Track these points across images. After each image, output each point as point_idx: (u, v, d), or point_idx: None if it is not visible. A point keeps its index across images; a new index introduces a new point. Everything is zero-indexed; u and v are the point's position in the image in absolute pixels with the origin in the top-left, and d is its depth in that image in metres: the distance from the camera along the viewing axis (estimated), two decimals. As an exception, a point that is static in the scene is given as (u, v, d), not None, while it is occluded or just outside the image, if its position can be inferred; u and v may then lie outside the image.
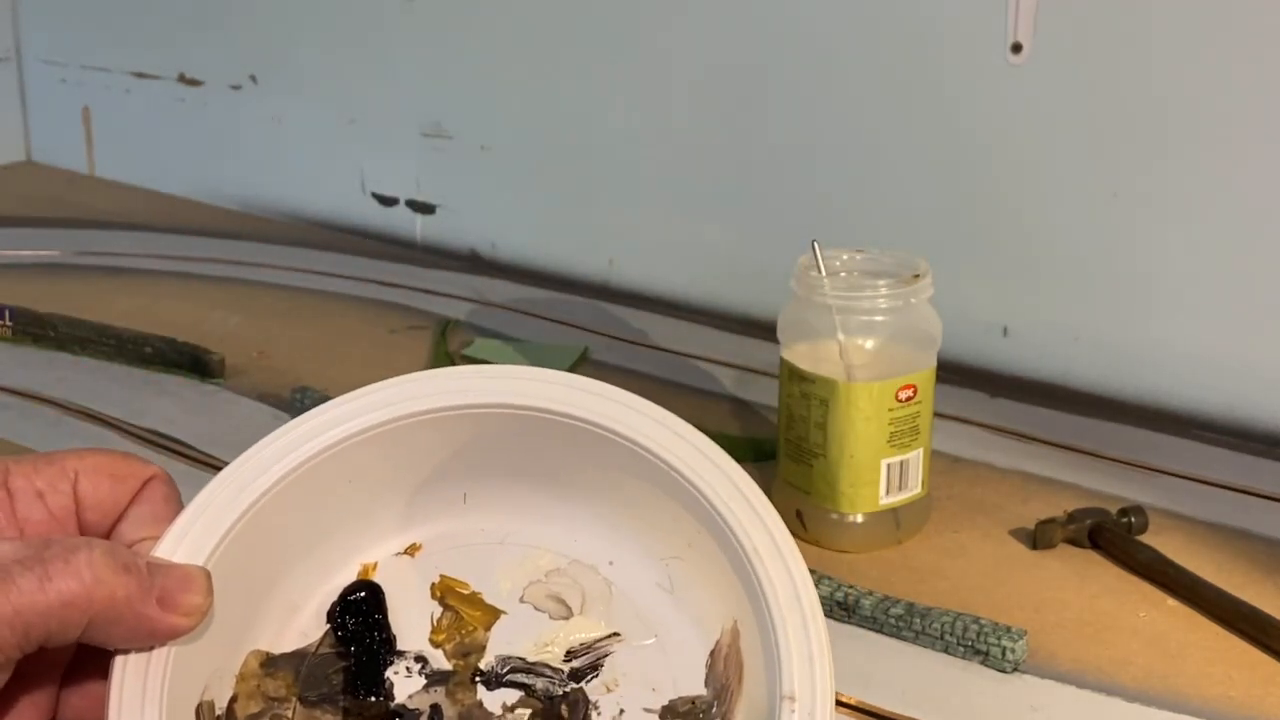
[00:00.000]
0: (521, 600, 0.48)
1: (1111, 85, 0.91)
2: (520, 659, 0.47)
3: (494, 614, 0.48)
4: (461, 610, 0.48)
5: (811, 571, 0.67)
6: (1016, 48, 0.94)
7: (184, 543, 0.42)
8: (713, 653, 0.46)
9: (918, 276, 0.73)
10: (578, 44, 1.18)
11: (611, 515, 0.48)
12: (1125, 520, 0.74)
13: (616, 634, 0.48)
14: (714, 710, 0.46)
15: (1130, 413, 0.94)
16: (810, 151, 1.06)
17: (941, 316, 0.74)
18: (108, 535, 0.43)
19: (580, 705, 0.47)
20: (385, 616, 0.47)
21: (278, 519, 0.44)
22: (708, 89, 1.11)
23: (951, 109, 0.98)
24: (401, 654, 0.47)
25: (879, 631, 0.66)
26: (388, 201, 1.35)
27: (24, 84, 1.64)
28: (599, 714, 0.47)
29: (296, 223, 1.40)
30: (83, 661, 0.43)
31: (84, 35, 1.57)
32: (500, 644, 0.48)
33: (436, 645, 0.48)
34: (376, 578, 0.48)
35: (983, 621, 0.64)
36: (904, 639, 0.65)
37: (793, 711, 0.42)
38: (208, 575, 0.41)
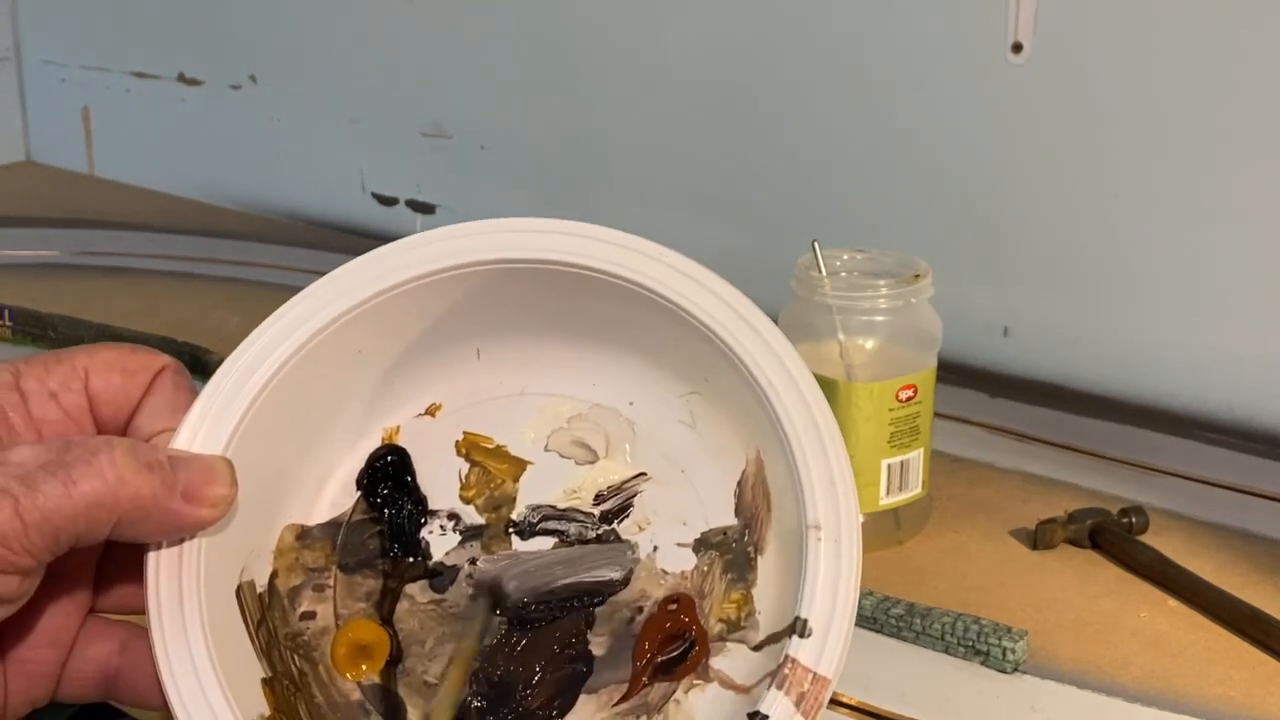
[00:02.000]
0: (546, 449, 0.49)
1: (1112, 85, 0.91)
2: (551, 506, 0.48)
3: (521, 465, 0.48)
4: (488, 465, 0.48)
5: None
6: (1017, 48, 0.94)
7: (201, 432, 0.42)
8: (739, 483, 0.47)
9: (918, 276, 0.73)
10: (578, 44, 1.18)
11: (626, 357, 0.48)
12: (1126, 520, 0.74)
13: (643, 473, 0.48)
14: (745, 538, 0.46)
15: (1130, 413, 0.94)
16: (810, 151, 1.06)
17: (941, 316, 0.74)
18: (124, 430, 0.43)
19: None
20: (414, 478, 0.48)
21: (292, 397, 0.44)
22: (708, 89, 1.11)
23: (952, 109, 0.98)
24: (434, 513, 0.48)
25: (879, 632, 0.66)
26: (388, 201, 1.35)
27: (24, 84, 1.64)
28: (634, 552, 0.47)
29: (296, 223, 1.40)
30: (116, 552, 0.43)
31: (84, 35, 1.57)
32: (530, 494, 0.48)
33: (467, 501, 0.48)
34: (400, 441, 0.48)
35: (983, 622, 0.64)
36: (904, 639, 0.65)
37: (819, 540, 0.43)
38: (229, 465, 0.41)
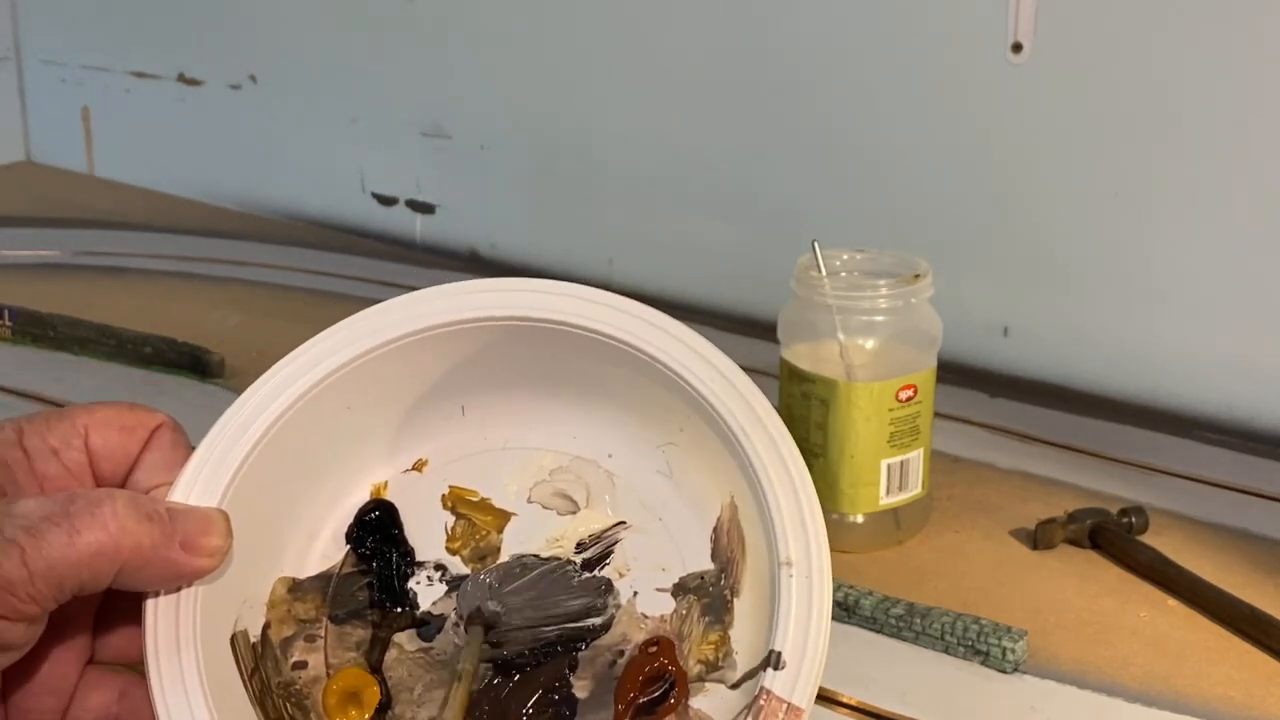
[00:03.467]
0: (529, 500, 0.50)
1: (1112, 85, 0.91)
2: (534, 555, 0.50)
3: (505, 517, 0.50)
4: (473, 516, 0.50)
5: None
6: (1017, 47, 0.94)
7: (197, 486, 0.44)
8: (715, 529, 0.48)
9: (918, 276, 0.73)
10: (577, 43, 1.18)
11: (605, 410, 0.50)
12: (1125, 520, 0.74)
13: (623, 522, 0.50)
14: (722, 581, 0.48)
15: (1130, 413, 0.94)
16: (811, 151, 1.06)
17: (941, 316, 0.74)
18: (123, 484, 0.44)
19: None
20: (401, 531, 0.49)
21: (284, 452, 0.46)
22: (708, 89, 1.11)
23: (952, 109, 0.98)
24: (421, 564, 0.49)
25: (879, 632, 0.66)
26: (387, 201, 1.35)
27: (24, 84, 1.64)
28: (615, 597, 0.49)
29: (296, 223, 1.40)
30: (114, 603, 0.44)
31: (84, 35, 1.57)
32: (514, 544, 0.50)
33: (453, 552, 0.50)
34: (388, 496, 0.50)
35: (983, 622, 0.64)
36: (904, 639, 0.65)
37: (790, 575, 0.44)
38: (225, 516, 0.43)
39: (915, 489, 0.74)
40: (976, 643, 0.63)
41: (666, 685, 0.47)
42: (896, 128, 1.02)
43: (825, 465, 0.72)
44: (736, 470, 0.46)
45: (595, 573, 0.49)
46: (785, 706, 0.42)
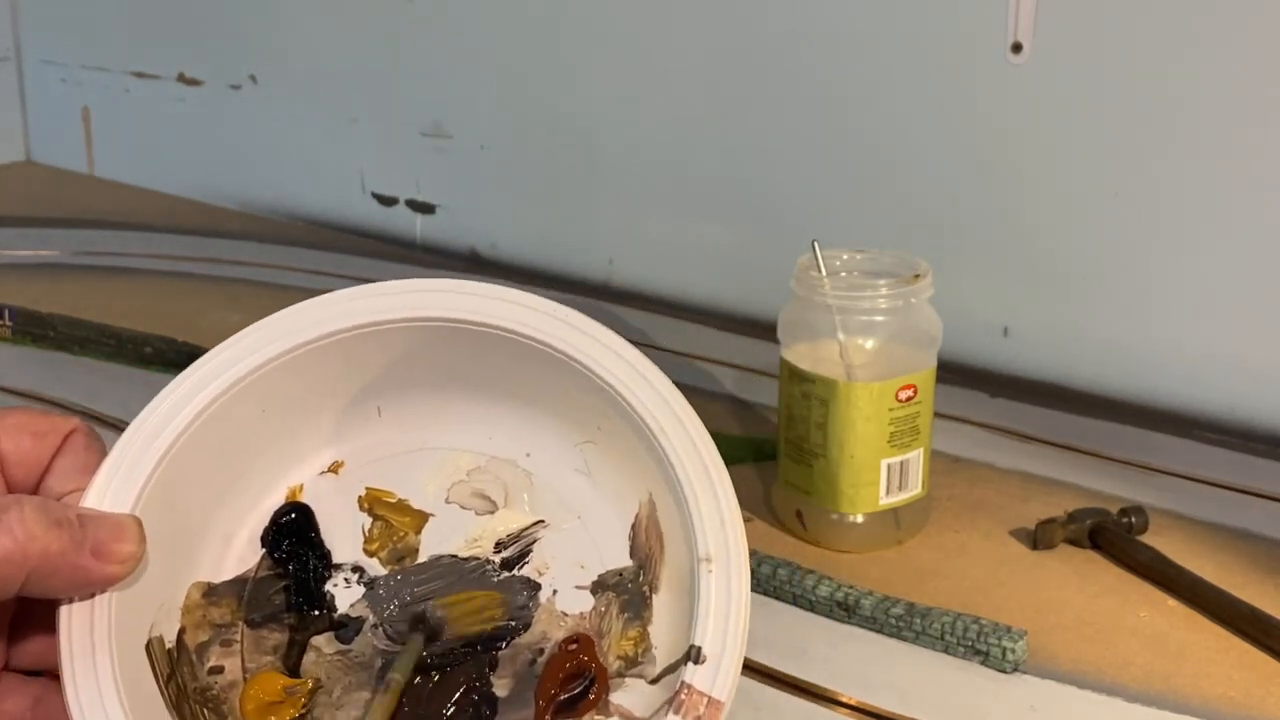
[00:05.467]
0: (447, 501, 0.50)
1: (1111, 85, 0.91)
2: (452, 556, 0.50)
3: (422, 518, 0.50)
4: (390, 518, 0.50)
5: (811, 572, 0.68)
6: (1017, 48, 0.94)
7: (109, 491, 0.43)
8: (633, 526, 0.49)
9: (918, 276, 0.73)
10: (578, 44, 1.18)
11: (522, 410, 0.50)
12: (1125, 520, 0.74)
13: (541, 521, 0.50)
14: (640, 578, 0.48)
15: (1130, 413, 0.94)
16: (810, 151, 1.06)
17: (941, 316, 0.74)
18: (35, 491, 0.44)
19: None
20: (318, 534, 0.49)
21: (198, 455, 0.46)
22: (708, 89, 1.11)
23: (952, 109, 0.98)
24: (338, 567, 0.49)
25: (879, 631, 0.66)
26: (387, 201, 1.35)
27: (24, 84, 1.64)
28: (535, 596, 0.49)
29: (296, 223, 1.40)
30: (28, 610, 0.44)
31: (84, 35, 1.57)
32: (432, 545, 0.50)
33: (371, 554, 0.50)
34: (304, 498, 0.50)
35: (983, 622, 0.64)
36: (904, 639, 0.65)
37: (709, 571, 0.44)
38: (138, 522, 0.42)
39: (915, 489, 0.74)
40: (976, 643, 0.63)
41: (587, 682, 0.47)
42: (896, 128, 1.02)
43: (825, 465, 0.72)
44: (654, 468, 0.46)
45: (514, 572, 0.49)
46: (705, 700, 0.43)
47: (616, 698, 0.47)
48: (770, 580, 0.69)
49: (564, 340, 0.47)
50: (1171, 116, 0.89)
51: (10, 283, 1.16)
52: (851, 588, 0.67)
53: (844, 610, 0.67)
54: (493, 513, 0.50)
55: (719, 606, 0.44)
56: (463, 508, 0.50)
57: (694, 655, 0.43)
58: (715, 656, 0.43)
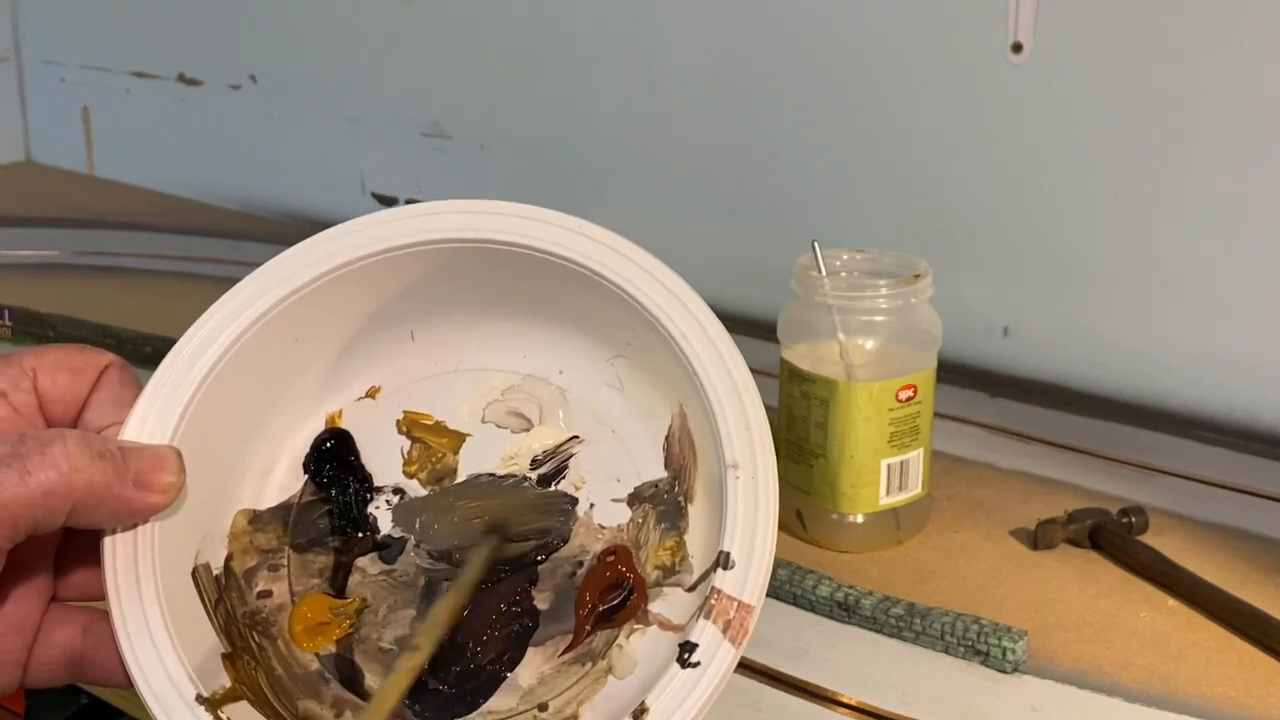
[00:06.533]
0: (483, 421, 0.51)
1: (1111, 85, 0.91)
2: (490, 474, 0.50)
3: (459, 438, 0.51)
4: (428, 440, 0.51)
5: (810, 572, 0.68)
6: (1017, 47, 0.94)
7: (148, 423, 0.44)
8: (667, 437, 0.49)
9: (918, 276, 0.73)
10: (577, 44, 1.18)
11: (552, 328, 0.50)
12: (1125, 520, 0.74)
13: (576, 436, 0.50)
14: (676, 488, 0.49)
15: (1130, 413, 0.94)
16: (810, 151, 1.06)
17: (941, 316, 0.74)
18: (74, 425, 0.44)
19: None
20: (358, 458, 0.50)
21: (234, 385, 0.46)
22: (707, 89, 1.11)
23: (952, 108, 0.98)
24: (379, 489, 0.50)
25: (879, 632, 0.66)
26: (388, 201, 1.35)
27: (24, 84, 1.64)
28: (573, 508, 0.50)
29: (296, 223, 1.40)
30: (74, 542, 0.45)
31: (84, 35, 1.57)
32: (470, 464, 0.50)
33: (411, 476, 0.50)
34: (343, 424, 0.50)
35: (983, 622, 0.64)
36: (904, 639, 0.65)
37: (737, 477, 0.45)
38: (178, 453, 0.43)
39: (915, 489, 0.74)
40: (976, 643, 0.63)
41: (626, 592, 0.48)
42: (896, 128, 1.02)
43: (825, 465, 0.72)
44: (684, 379, 0.47)
45: (552, 487, 0.50)
46: (736, 604, 0.43)
47: (655, 606, 0.47)
48: (770, 580, 0.69)
49: (588, 256, 0.47)
50: (1172, 116, 0.89)
51: (10, 283, 1.16)
52: (851, 588, 0.67)
53: (844, 610, 0.67)
54: (528, 430, 0.51)
55: (746, 512, 0.44)
56: (499, 427, 0.51)
57: (723, 560, 0.44)
58: (744, 561, 0.44)
